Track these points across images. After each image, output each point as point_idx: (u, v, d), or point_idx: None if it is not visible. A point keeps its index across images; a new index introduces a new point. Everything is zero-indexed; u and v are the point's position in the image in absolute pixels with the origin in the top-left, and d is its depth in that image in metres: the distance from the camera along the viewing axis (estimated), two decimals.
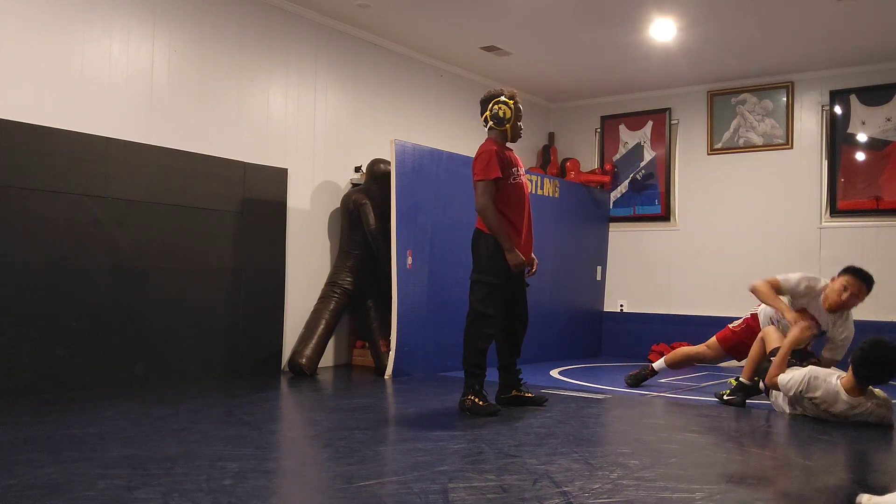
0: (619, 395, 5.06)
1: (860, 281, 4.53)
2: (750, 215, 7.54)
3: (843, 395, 3.93)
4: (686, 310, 7.78)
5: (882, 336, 3.95)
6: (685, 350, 5.44)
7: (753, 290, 4.75)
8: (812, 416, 4.09)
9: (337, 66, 6.39)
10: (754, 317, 5.06)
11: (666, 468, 2.99)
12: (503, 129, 4.35)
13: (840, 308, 4.58)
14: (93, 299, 4.68)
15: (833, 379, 4.00)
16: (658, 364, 5.43)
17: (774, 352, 4.45)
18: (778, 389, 4.24)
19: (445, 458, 3.05)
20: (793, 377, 4.11)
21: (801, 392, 4.05)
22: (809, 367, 4.17)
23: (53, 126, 4.54)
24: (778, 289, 4.70)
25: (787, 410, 4.26)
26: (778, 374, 4.23)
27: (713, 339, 5.23)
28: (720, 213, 7.75)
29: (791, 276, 4.71)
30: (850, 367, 3.95)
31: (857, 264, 4.36)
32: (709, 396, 4.94)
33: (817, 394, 4.00)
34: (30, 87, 4.51)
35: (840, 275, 4.61)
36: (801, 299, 4.66)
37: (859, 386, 3.92)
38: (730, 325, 5.22)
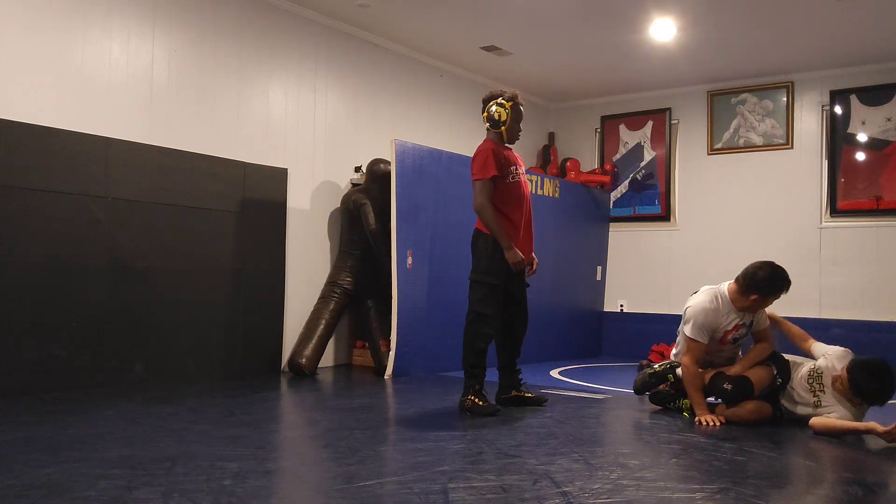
0: (619, 395, 5.06)
1: (768, 297, 4.15)
2: (750, 215, 7.54)
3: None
4: None
5: (871, 358, 3.78)
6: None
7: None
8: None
9: (337, 66, 6.39)
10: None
11: (666, 468, 2.99)
12: (499, 131, 4.36)
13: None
14: (93, 299, 4.68)
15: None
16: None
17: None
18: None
19: (445, 458, 3.04)
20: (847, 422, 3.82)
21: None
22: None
23: (53, 126, 4.54)
24: (700, 351, 4.17)
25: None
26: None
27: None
28: (720, 213, 7.75)
29: (692, 329, 4.14)
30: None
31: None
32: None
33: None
34: (30, 87, 4.51)
35: (748, 292, 4.11)
36: (721, 322, 4.20)
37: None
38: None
